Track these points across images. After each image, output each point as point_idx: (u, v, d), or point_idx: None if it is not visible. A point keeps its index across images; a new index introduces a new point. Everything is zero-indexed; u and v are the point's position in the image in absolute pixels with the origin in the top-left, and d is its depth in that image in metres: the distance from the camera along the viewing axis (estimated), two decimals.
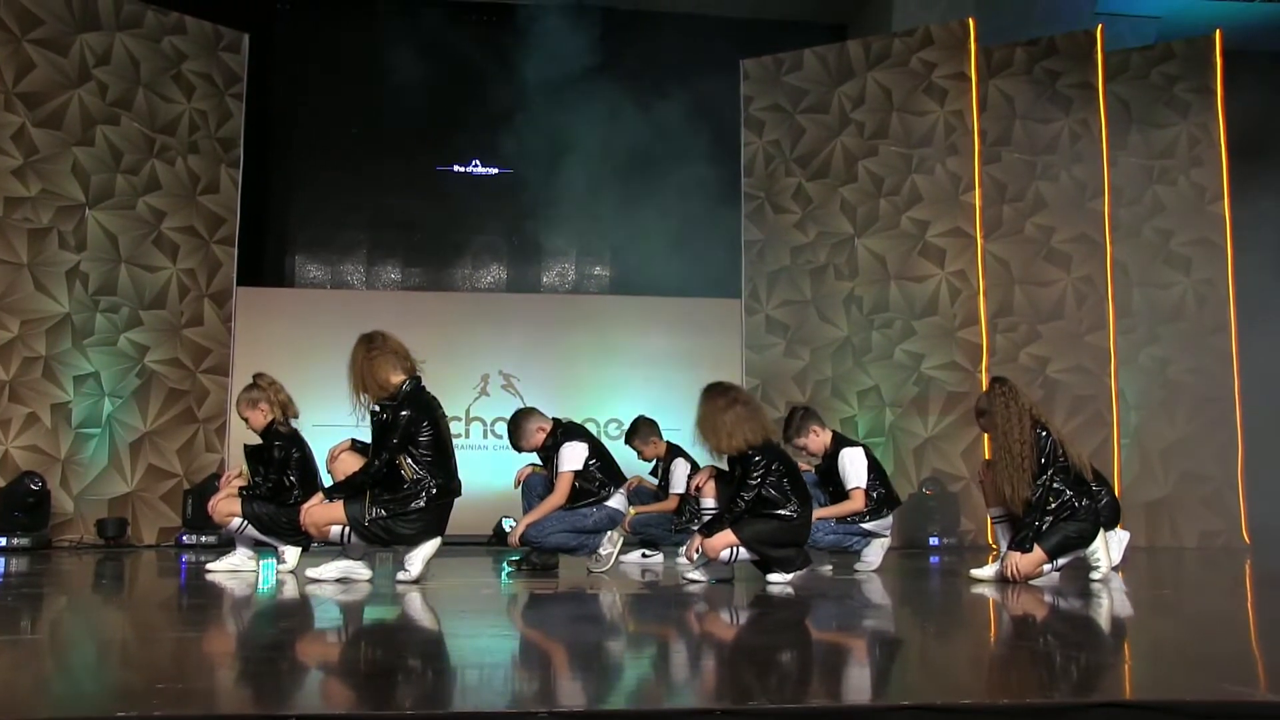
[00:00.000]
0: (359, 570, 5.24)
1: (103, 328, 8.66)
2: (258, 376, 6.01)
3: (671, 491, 7.24)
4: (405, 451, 5.07)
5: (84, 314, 8.57)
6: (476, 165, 10.69)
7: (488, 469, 9.58)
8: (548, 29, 9.90)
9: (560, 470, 5.99)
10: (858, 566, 6.34)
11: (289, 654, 3.12)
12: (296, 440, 5.91)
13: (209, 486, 8.59)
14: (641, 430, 7.44)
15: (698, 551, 5.24)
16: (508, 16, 10.14)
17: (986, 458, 9.08)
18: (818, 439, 6.38)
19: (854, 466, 6.26)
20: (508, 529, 9.14)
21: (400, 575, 5.14)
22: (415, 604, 4.43)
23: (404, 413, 5.04)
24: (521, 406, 6.50)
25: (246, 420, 5.94)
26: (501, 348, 10.00)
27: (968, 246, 9.28)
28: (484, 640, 3.55)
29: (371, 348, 5.15)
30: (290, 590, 4.93)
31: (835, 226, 9.69)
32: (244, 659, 3.05)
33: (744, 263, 10.01)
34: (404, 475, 5.06)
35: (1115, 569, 6.10)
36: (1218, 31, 9.72)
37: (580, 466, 5.99)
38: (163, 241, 8.99)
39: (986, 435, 9.02)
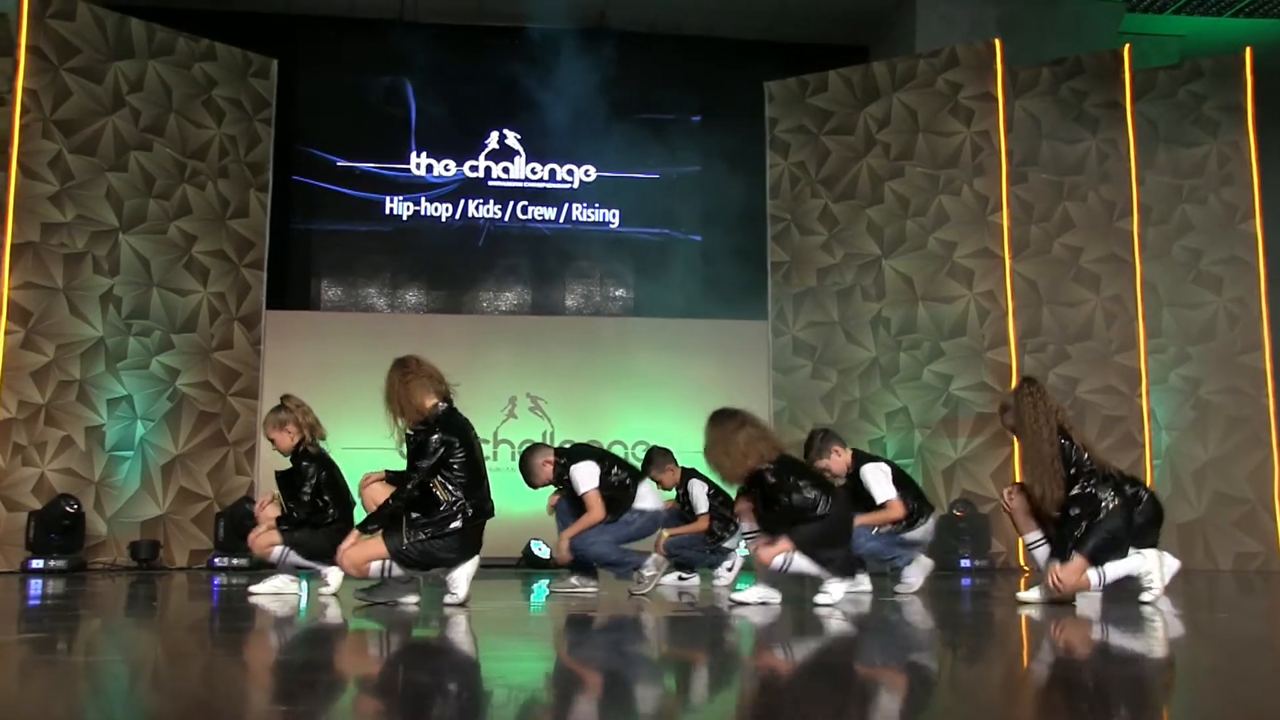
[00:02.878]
0: (408, 595, 5.26)
1: (135, 351, 8.74)
2: (285, 398, 6.03)
3: (698, 512, 7.22)
4: (438, 474, 5.07)
5: (117, 337, 8.65)
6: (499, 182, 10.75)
7: (516, 492, 9.57)
8: (570, 52, 9.96)
9: (582, 493, 6.01)
10: (898, 589, 6.31)
11: (360, 684, 3.13)
12: (325, 461, 5.93)
13: (239, 509, 8.66)
14: (656, 460, 7.39)
15: (775, 559, 5.21)
16: (529, 40, 10.21)
17: (1016, 480, 9.04)
18: (839, 459, 6.36)
19: (877, 481, 6.23)
20: (536, 551, 9.22)
21: (447, 599, 5.13)
22: (465, 628, 4.42)
23: (435, 436, 5.06)
24: (526, 446, 6.53)
25: (274, 442, 5.95)
26: (527, 370, 10.01)
27: (995, 267, 9.26)
28: (540, 665, 3.56)
29: (405, 372, 5.17)
30: (338, 615, 4.94)
31: (862, 248, 9.69)
32: (318, 691, 3.05)
33: (770, 284, 10.03)
34: (439, 498, 5.07)
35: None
36: (1247, 49, 9.67)
37: (598, 483, 6.01)
38: (193, 265, 9.08)
39: (1017, 451, 9.01)
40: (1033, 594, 5.41)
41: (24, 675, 3.02)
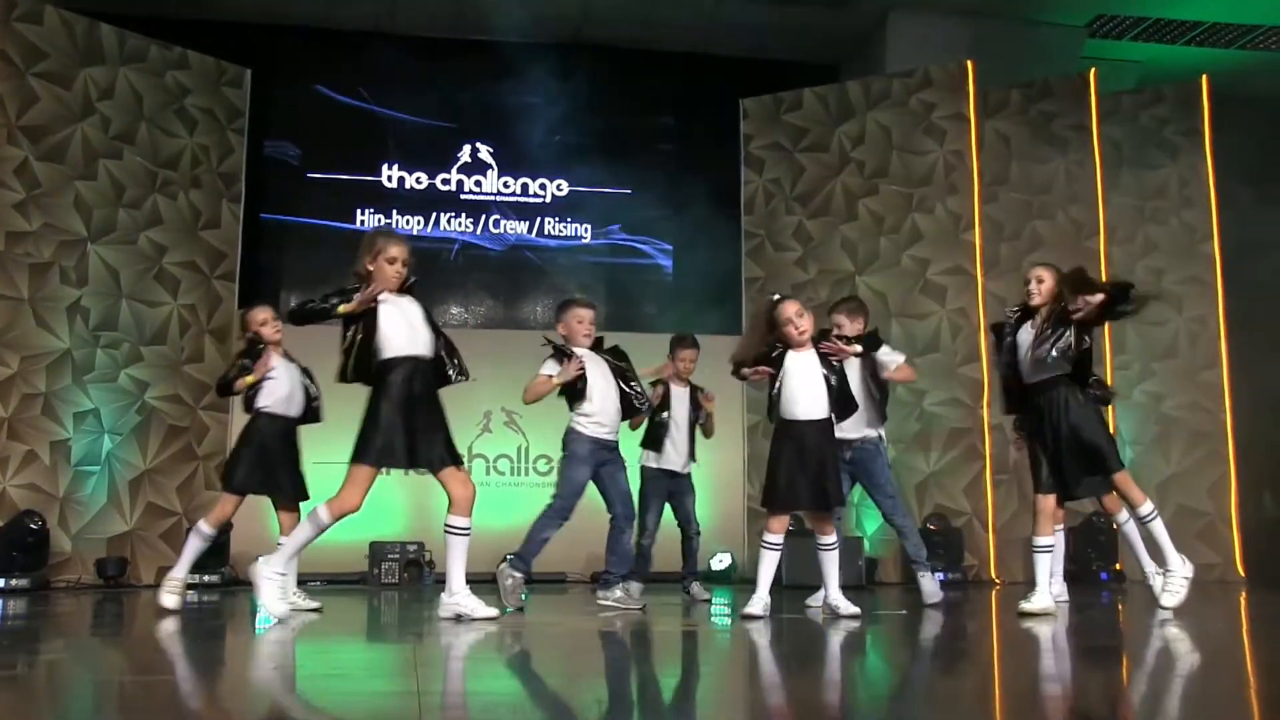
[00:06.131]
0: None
1: (103, 364, 8.54)
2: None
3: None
4: None
5: (84, 350, 8.44)
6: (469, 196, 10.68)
7: (490, 506, 9.48)
8: (544, 66, 9.92)
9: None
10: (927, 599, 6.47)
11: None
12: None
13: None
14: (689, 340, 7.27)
15: None
16: (504, 54, 10.17)
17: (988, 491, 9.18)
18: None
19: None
20: None
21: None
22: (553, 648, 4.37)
23: None
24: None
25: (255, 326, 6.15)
26: (501, 385, 9.87)
27: (968, 284, 9.40)
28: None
29: None
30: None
31: (836, 264, 9.78)
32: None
33: (744, 300, 10.08)
34: None
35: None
36: (1204, 77, 9.95)
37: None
38: (164, 277, 8.90)
39: (988, 468, 9.16)
40: (1034, 604, 5.47)
41: None
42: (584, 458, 6.01)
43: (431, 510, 9.08)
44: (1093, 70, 9.86)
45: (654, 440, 6.98)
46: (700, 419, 7.10)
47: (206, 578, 8.30)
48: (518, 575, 5.91)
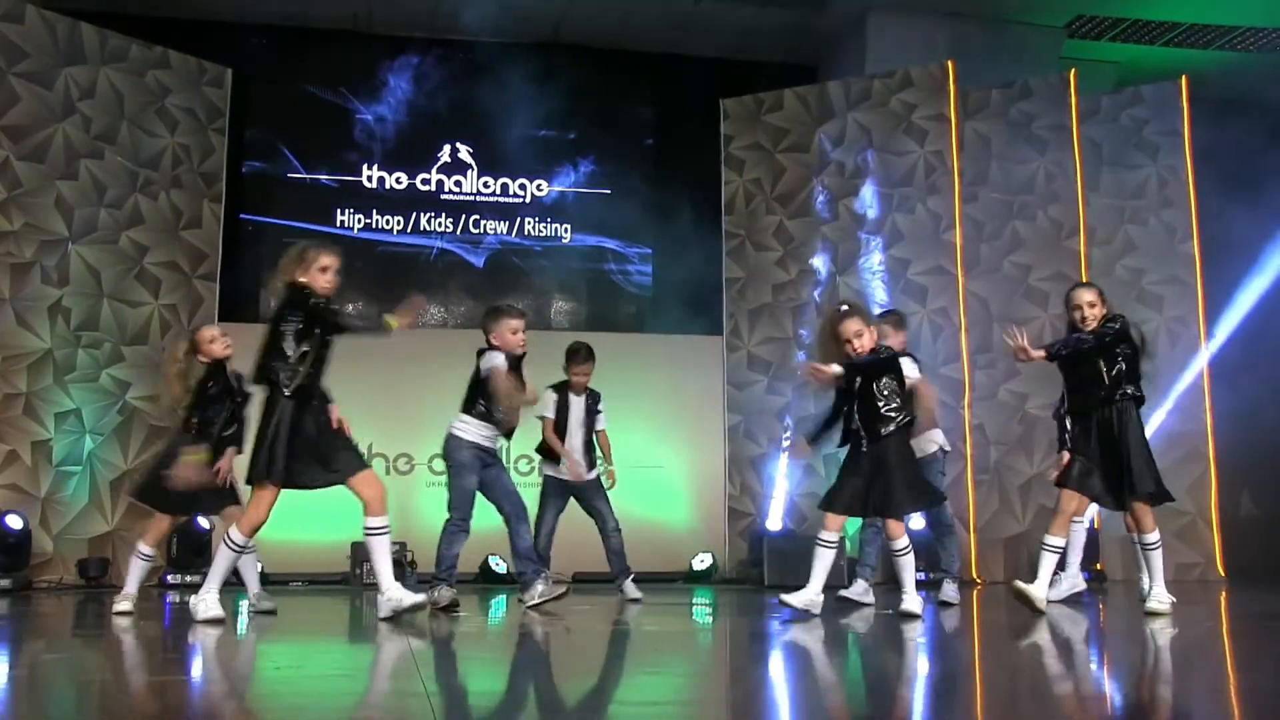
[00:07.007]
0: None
1: (84, 364, 8.53)
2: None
3: (598, 428, 7.01)
4: None
5: (65, 350, 8.43)
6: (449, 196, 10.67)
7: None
8: (523, 66, 9.90)
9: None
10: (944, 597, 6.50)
11: None
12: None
13: (191, 526, 8.46)
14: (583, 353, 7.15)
15: None
16: (482, 54, 10.16)
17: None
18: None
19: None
20: (494, 566, 9.14)
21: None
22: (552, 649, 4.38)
23: None
24: None
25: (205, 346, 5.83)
26: None
27: (949, 284, 9.44)
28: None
29: None
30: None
31: (816, 264, 9.82)
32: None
33: (725, 300, 10.11)
34: None
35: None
36: (1183, 78, 10.01)
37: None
38: (145, 276, 8.89)
39: (970, 471, 9.20)
40: (1035, 590, 5.47)
41: None
42: (469, 464, 6.01)
43: (414, 510, 9.11)
44: (1073, 70, 9.91)
45: (552, 450, 6.94)
46: (597, 426, 7.03)
47: (188, 577, 8.29)
48: (446, 592, 5.89)
